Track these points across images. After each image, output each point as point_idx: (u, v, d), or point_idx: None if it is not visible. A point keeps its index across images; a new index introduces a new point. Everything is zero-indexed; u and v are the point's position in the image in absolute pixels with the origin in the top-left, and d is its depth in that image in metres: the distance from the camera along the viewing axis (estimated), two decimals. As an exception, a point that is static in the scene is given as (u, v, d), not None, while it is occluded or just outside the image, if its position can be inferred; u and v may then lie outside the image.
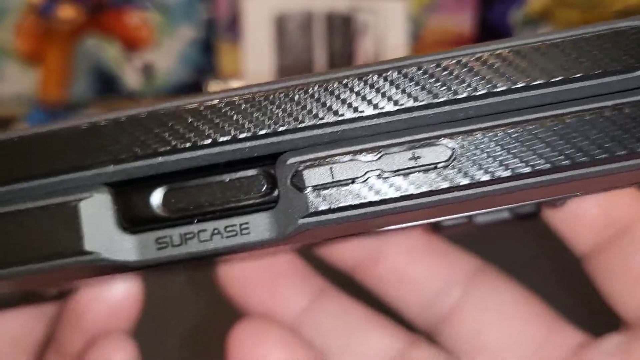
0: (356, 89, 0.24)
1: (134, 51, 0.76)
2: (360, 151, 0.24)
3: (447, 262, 0.35)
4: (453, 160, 0.24)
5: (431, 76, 0.24)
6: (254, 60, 0.76)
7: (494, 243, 0.40)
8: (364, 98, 0.24)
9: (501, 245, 0.42)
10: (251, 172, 0.25)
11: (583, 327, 0.34)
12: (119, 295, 0.33)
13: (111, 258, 0.25)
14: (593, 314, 0.35)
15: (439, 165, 0.24)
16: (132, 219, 0.25)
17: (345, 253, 0.35)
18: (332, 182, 0.24)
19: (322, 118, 0.24)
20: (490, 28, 0.76)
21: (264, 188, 0.25)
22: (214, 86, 0.75)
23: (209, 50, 0.76)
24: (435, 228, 0.31)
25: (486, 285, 0.35)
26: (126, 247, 0.25)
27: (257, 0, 0.75)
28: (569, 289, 0.44)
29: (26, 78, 0.75)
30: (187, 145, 0.24)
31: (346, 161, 0.24)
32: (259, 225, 0.25)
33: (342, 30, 0.76)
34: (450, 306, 0.35)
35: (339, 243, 0.34)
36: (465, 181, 0.24)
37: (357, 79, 0.24)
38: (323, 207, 0.24)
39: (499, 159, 0.24)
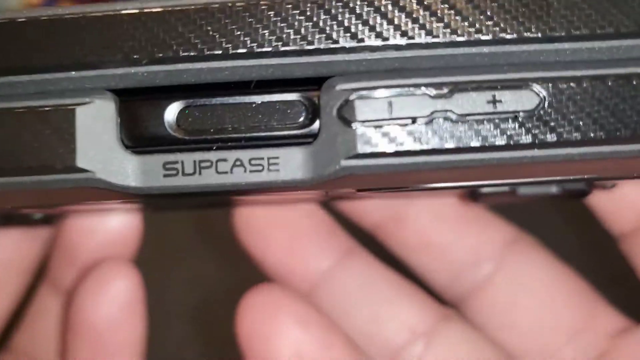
0: (433, 7, 0.19)
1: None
2: (429, 85, 0.19)
3: (479, 230, 0.30)
4: (540, 110, 0.19)
5: (525, 5, 0.19)
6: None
7: (530, 215, 0.36)
8: (440, 19, 0.19)
9: (536, 220, 0.37)
10: (289, 96, 0.20)
11: (623, 311, 0.30)
12: (116, 226, 0.28)
13: (107, 180, 0.19)
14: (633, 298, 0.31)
15: (520, 115, 0.19)
16: (139, 135, 0.20)
17: (369, 210, 0.30)
18: (389, 118, 0.19)
19: (387, 38, 0.19)
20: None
21: (302, 117, 0.20)
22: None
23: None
24: (472, 197, 0.26)
25: (522, 259, 0.30)
26: (127, 168, 0.20)
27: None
28: (608, 273, 0.40)
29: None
30: (217, 52, 0.19)
31: (410, 95, 0.19)
32: (291, 161, 0.19)
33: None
34: (480, 278, 0.30)
35: (370, 199, 0.29)
36: (550, 138, 0.19)
37: None
38: (373, 149, 0.19)
39: (598, 115, 0.19)
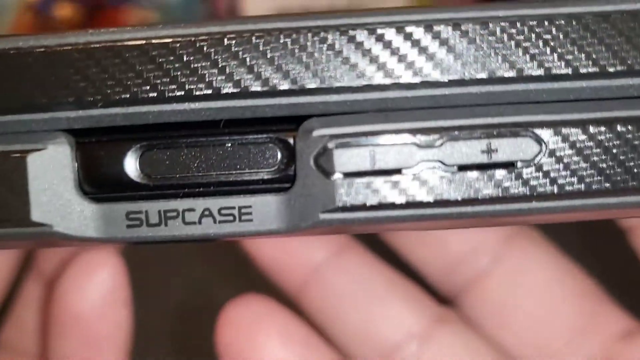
0: (422, 43, 0.16)
1: (132, 49, 0.70)
2: (416, 131, 0.16)
3: None
4: (539, 159, 0.16)
5: (526, 39, 0.16)
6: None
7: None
8: (429, 56, 0.16)
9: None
10: (260, 138, 0.17)
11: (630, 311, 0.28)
12: None
13: (66, 233, 0.17)
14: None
15: (518, 165, 0.16)
16: (98, 182, 0.18)
17: None
18: (372, 170, 0.17)
19: (370, 77, 0.17)
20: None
21: (277, 162, 0.18)
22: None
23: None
24: None
25: (521, 254, 0.28)
26: (87, 219, 0.18)
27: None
28: (616, 269, 0.38)
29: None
30: (180, 93, 0.17)
31: (394, 144, 0.17)
32: (265, 211, 0.17)
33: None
34: (476, 273, 0.28)
35: None
36: (550, 190, 0.17)
37: (423, 27, 0.16)
38: (355, 202, 0.17)
39: (605, 164, 0.16)
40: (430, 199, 0.17)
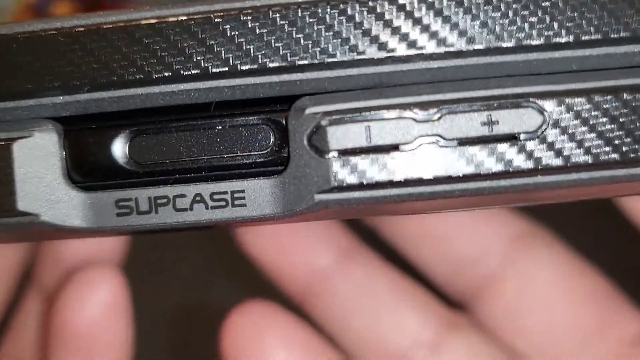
0: (415, 14, 0.16)
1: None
2: (413, 105, 0.16)
3: (486, 221, 0.27)
4: (543, 130, 0.16)
5: (524, 7, 0.15)
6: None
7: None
8: (424, 28, 0.16)
9: (557, 211, 0.33)
10: (252, 120, 0.17)
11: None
12: None
13: (53, 222, 0.17)
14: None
15: (521, 137, 0.16)
16: (87, 170, 0.17)
17: None
18: (368, 147, 0.16)
19: (363, 52, 0.16)
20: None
21: (270, 144, 0.17)
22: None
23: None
24: None
25: (533, 255, 0.27)
26: (75, 208, 0.17)
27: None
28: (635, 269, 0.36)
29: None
30: (167, 74, 0.16)
31: (390, 118, 0.16)
32: (259, 195, 0.17)
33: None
34: (484, 275, 0.27)
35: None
36: (555, 163, 0.16)
37: None
38: (351, 181, 0.16)
39: (612, 134, 0.15)
40: (430, 175, 0.16)
